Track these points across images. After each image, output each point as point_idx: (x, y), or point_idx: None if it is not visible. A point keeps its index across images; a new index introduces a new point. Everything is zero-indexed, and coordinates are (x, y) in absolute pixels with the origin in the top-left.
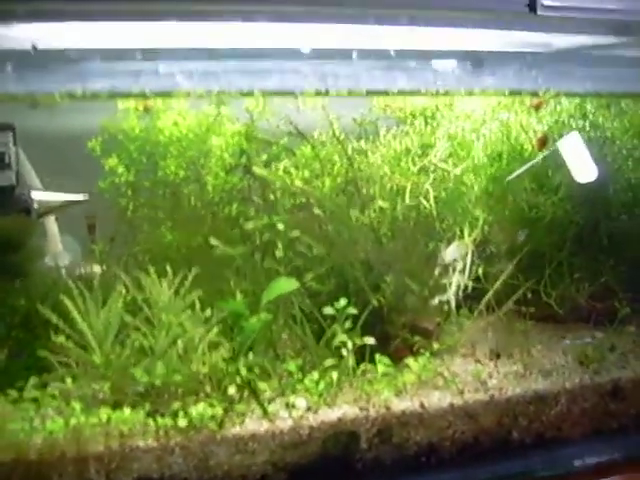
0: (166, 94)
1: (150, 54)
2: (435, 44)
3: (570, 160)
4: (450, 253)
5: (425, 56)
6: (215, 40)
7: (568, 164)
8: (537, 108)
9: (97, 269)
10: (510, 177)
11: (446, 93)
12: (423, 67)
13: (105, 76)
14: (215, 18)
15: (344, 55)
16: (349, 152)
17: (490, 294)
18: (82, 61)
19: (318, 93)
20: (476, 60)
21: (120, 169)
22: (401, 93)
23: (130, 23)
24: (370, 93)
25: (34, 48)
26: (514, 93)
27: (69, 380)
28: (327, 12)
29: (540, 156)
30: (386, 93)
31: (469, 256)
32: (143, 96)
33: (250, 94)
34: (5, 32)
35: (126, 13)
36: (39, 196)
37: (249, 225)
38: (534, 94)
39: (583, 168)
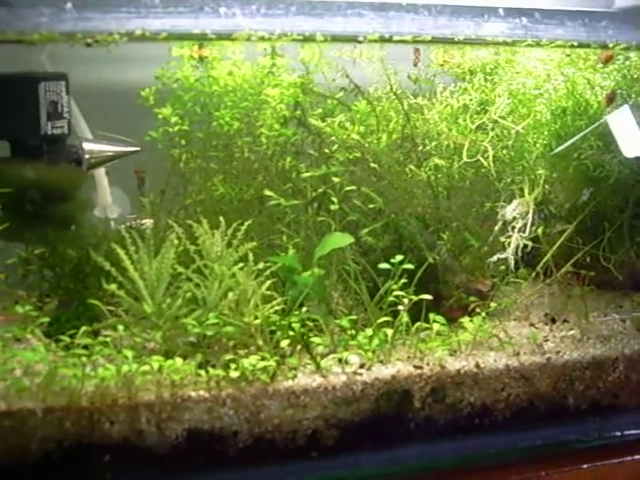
0: (227, 36)
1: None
2: None
3: (619, 135)
4: (510, 211)
5: (492, 6)
6: None
7: (617, 138)
8: (606, 62)
9: (147, 222)
10: (555, 151)
11: (513, 43)
12: (490, 16)
13: (164, 16)
14: None
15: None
16: (406, 108)
17: (549, 256)
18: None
19: (382, 39)
20: (543, 11)
21: (174, 119)
22: (467, 41)
23: None
24: (435, 40)
25: None
26: (583, 45)
27: (120, 328)
28: None
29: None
30: (452, 41)
31: (530, 215)
32: (203, 38)
33: (312, 38)
34: None
35: None
36: (90, 146)
37: (306, 174)
38: (603, 46)
39: (632, 143)
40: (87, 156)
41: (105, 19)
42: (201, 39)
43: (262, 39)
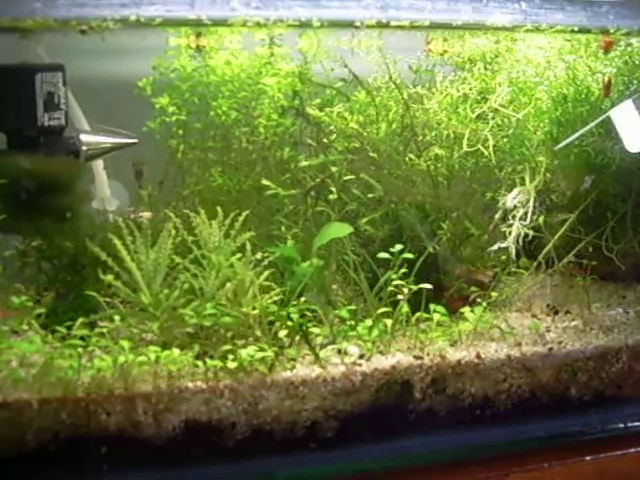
0: (222, 22)
1: None
2: None
3: (622, 129)
4: (511, 199)
5: None
6: None
7: (620, 133)
8: (607, 48)
9: (145, 214)
10: (559, 146)
11: (512, 28)
12: (489, 0)
13: (159, 2)
14: None
15: None
16: (405, 97)
17: (550, 245)
18: None
19: (380, 24)
20: None
21: (171, 109)
22: (466, 26)
23: None
24: (433, 26)
25: None
26: (583, 30)
27: (117, 319)
28: None
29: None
30: (450, 26)
31: (530, 203)
32: (199, 24)
33: (309, 24)
34: None
35: None
36: (88, 138)
37: (303, 163)
38: (604, 32)
39: (636, 138)
40: (84, 148)
41: (99, 5)
42: (196, 25)
43: (258, 25)
